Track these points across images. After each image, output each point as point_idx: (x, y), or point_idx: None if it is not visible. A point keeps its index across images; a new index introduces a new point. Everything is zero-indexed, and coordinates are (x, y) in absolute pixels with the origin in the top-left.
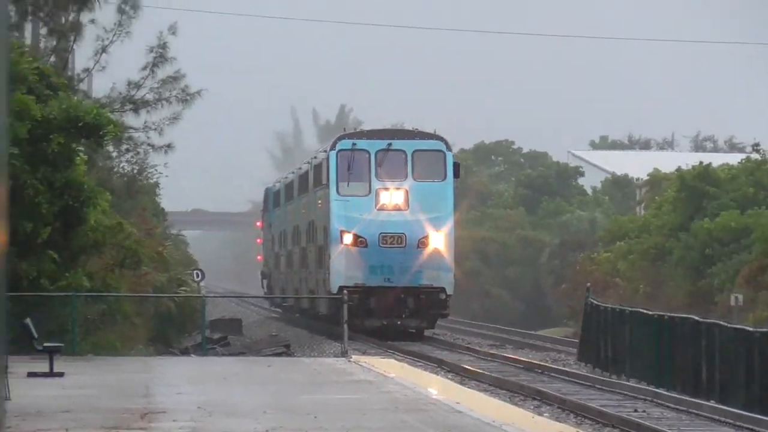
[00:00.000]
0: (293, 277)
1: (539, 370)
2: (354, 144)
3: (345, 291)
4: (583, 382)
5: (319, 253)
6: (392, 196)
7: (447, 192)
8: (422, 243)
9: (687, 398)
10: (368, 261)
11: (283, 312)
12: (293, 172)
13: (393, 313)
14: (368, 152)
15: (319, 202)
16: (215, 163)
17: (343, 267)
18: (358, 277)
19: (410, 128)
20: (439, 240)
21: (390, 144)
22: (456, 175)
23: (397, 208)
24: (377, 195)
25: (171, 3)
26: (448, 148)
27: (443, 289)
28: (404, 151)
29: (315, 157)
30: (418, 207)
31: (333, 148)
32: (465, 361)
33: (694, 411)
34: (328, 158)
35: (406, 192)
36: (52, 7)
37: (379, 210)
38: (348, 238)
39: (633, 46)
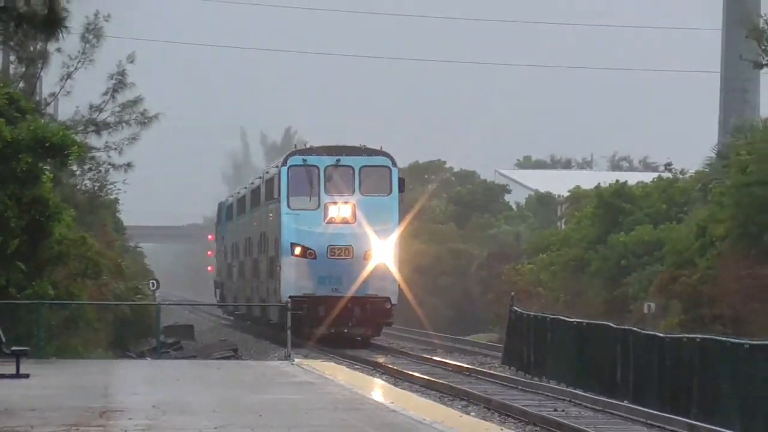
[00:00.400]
0: (245, 286)
1: (467, 373)
2: (304, 160)
3: (288, 299)
4: (507, 383)
5: (270, 263)
6: (340, 209)
7: (393, 206)
8: (368, 255)
9: (603, 399)
10: (317, 272)
11: (235, 320)
12: (245, 187)
13: (341, 322)
14: (318, 168)
15: (271, 215)
16: (171, 179)
17: (293, 277)
18: (308, 287)
19: (358, 145)
20: (384, 252)
21: (338, 160)
22: (401, 189)
23: (345, 221)
24: (326, 209)
25: (132, 32)
26: (394, 164)
27: (388, 299)
28: (352, 167)
29: (267, 173)
30: (365, 220)
31: (284, 163)
32: (399, 364)
33: (609, 410)
34: (279, 173)
35: (354, 206)
36: (21, 36)
37: (327, 223)
38: (298, 250)
39: (556, 73)
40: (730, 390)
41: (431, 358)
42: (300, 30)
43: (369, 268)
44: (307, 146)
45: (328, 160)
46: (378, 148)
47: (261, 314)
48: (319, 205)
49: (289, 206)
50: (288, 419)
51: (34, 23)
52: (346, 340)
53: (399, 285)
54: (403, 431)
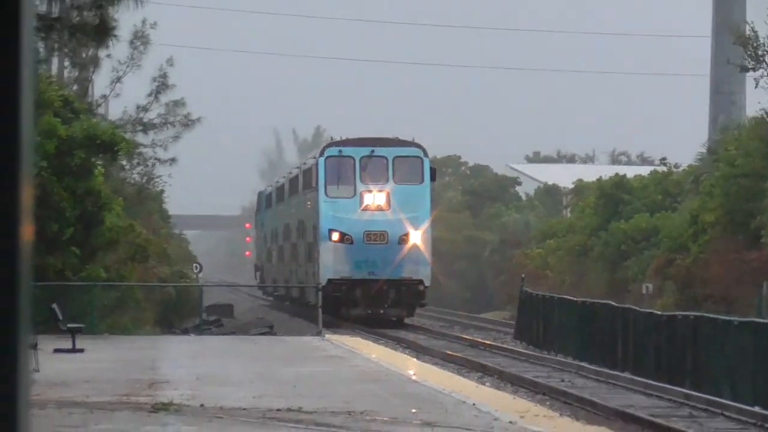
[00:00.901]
0: (284, 269)
1: (482, 347)
2: (340, 151)
3: (319, 282)
4: (518, 357)
5: (308, 248)
6: (375, 197)
7: (424, 194)
8: (402, 240)
9: (606, 370)
10: (354, 256)
11: (274, 300)
12: (284, 177)
13: (376, 303)
14: (353, 158)
15: (309, 203)
16: (211, 172)
17: (332, 262)
18: (345, 271)
19: (390, 137)
20: (417, 237)
21: (373, 151)
22: (432, 178)
23: (380, 209)
24: (362, 197)
25: (177, 40)
26: (425, 155)
27: (421, 281)
28: (386, 157)
29: (305, 163)
30: (398, 207)
31: (322, 154)
32: (420, 339)
33: (611, 381)
34: (317, 164)
35: (388, 194)
36: (74, 44)
37: (363, 210)
38: (336, 236)
39: (562, 76)
40: (720, 362)
41: (449, 334)
42: (329, 38)
43: (403, 252)
44: (343, 138)
45: (363, 151)
46: (411, 139)
47: (299, 295)
48: (355, 194)
49: (326, 194)
50: (319, 390)
51: (86, 32)
52: (382, 320)
53: (431, 268)
54: (424, 400)
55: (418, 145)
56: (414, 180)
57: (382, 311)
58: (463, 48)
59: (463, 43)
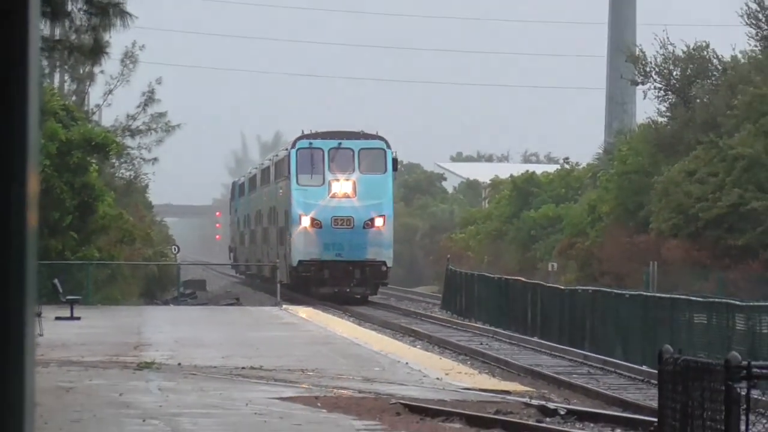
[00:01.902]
0: (256, 251)
1: (414, 316)
2: (311, 143)
3: (276, 260)
4: (444, 324)
5: (280, 232)
6: (342, 186)
7: (387, 183)
8: (367, 225)
9: (517, 335)
10: (323, 239)
11: (246, 278)
12: (256, 168)
13: (343, 282)
14: (322, 150)
15: (281, 191)
16: (188, 169)
17: (302, 244)
18: (315, 253)
19: (356, 130)
20: (380, 222)
21: (340, 143)
22: (395, 168)
23: (347, 196)
24: (330, 185)
25: (161, 59)
26: (388, 147)
27: (384, 263)
28: (352, 149)
29: (277, 155)
30: (363, 195)
31: (294, 146)
32: (361, 308)
33: (522, 344)
34: (289, 155)
35: (354, 183)
36: (73, 61)
37: (331, 197)
38: (306, 221)
39: (481, 89)
40: (614, 328)
41: (386, 304)
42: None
43: (367, 236)
44: (313, 132)
45: (332, 143)
46: (374, 133)
47: (270, 275)
48: (323, 182)
49: (298, 183)
50: (277, 351)
51: (83, 52)
52: (347, 298)
53: (393, 251)
54: (364, 360)
55: (382, 138)
56: (378, 170)
57: (348, 290)
58: (406, 65)
59: (407, 60)
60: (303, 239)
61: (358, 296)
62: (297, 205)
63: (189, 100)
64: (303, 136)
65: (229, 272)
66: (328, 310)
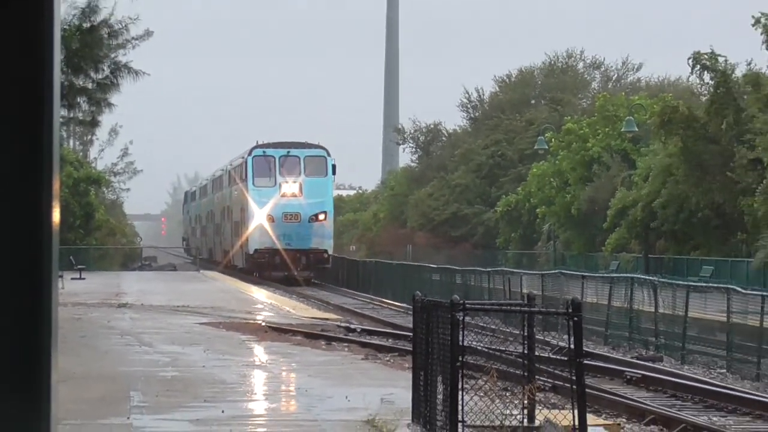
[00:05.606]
0: (207, 241)
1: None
2: (264, 152)
3: (187, 242)
4: (314, 288)
5: (235, 226)
6: (291, 187)
7: (328, 185)
8: (312, 219)
9: (334, 286)
10: (275, 231)
11: (194, 260)
12: (206, 179)
13: (291, 267)
14: (274, 157)
15: (236, 192)
16: (147, 190)
17: (258, 235)
18: (269, 242)
19: (303, 141)
20: (323, 217)
21: (289, 152)
22: (334, 173)
23: (294, 195)
24: (281, 186)
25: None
26: (329, 155)
27: (326, 251)
28: (298, 157)
29: (231, 164)
30: (308, 194)
31: (250, 154)
32: (265, 279)
33: (336, 293)
34: (246, 162)
35: (300, 184)
36: (79, 131)
37: (282, 196)
38: (261, 216)
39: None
40: (387, 281)
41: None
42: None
43: (312, 228)
44: (266, 142)
45: (282, 151)
46: (317, 143)
47: (221, 260)
48: (275, 184)
49: (254, 184)
50: (198, 297)
51: (85, 125)
52: (295, 280)
53: (333, 240)
54: (253, 302)
55: (323, 147)
56: (320, 174)
57: (296, 273)
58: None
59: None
60: (259, 231)
61: (303, 278)
62: (254, 202)
63: (148, 146)
64: (258, 146)
65: (174, 252)
66: (234, 275)
